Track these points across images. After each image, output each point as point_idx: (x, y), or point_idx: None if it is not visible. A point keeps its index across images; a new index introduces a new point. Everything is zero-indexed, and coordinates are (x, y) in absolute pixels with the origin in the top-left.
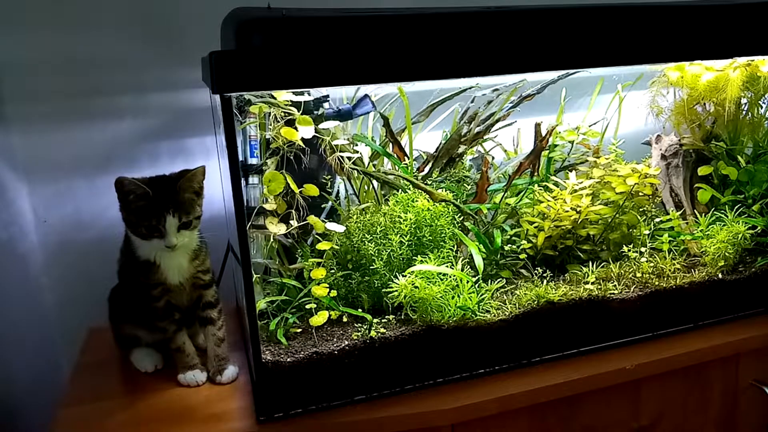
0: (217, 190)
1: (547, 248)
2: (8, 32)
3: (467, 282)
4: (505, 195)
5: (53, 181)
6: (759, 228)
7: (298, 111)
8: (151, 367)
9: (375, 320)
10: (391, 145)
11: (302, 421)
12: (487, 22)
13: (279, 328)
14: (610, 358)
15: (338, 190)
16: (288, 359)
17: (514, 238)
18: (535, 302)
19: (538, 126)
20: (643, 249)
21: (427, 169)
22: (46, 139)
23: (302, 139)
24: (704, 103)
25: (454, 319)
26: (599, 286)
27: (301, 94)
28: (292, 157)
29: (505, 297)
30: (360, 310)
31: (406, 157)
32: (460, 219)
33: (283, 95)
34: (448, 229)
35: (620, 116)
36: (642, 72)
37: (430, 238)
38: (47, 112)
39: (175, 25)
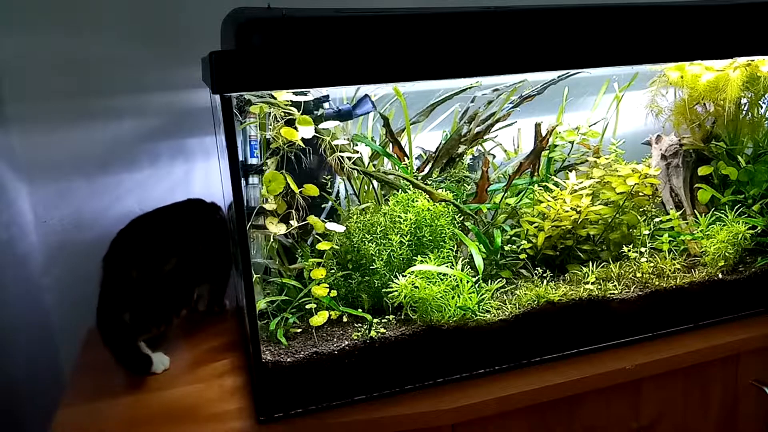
0: (217, 190)
1: (547, 248)
2: (8, 32)
3: (467, 282)
4: (505, 195)
5: (53, 181)
6: (759, 228)
7: (298, 111)
8: (162, 368)
9: (375, 320)
10: (391, 145)
11: (302, 421)
12: (487, 22)
13: (279, 328)
14: (610, 358)
15: (338, 190)
16: (288, 359)
17: (514, 238)
18: (535, 302)
19: (538, 126)
20: (643, 249)
21: (427, 169)
22: (46, 139)
23: (302, 139)
24: (704, 103)
25: (454, 319)
26: (599, 286)
27: (302, 94)
28: (292, 157)
29: (505, 297)
30: (360, 310)
31: (405, 157)
32: (460, 219)
33: (283, 95)
34: (448, 229)
35: (618, 116)
36: (637, 72)
37: (430, 238)
38: (47, 112)
39: (175, 25)
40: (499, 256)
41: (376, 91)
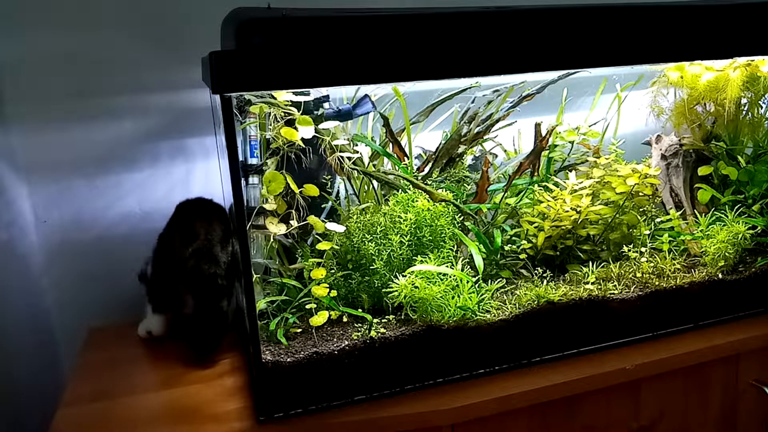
0: (217, 190)
1: (547, 248)
2: (8, 32)
3: (467, 282)
4: (505, 195)
5: (53, 181)
6: (759, 228)
7: (298, 111)
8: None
9: (375, 320)
10: (391, 145)
11: (302, 421)
12: (487, 22)
13: (279, 328)
14: (610, 358)
15: (338, 190)
16: (288, 359)
17: (514, 238)
18: (535, 302)
19: (538, 126)
20: (643, 249)
21: (427, 169)
22: (46, 139)
23: (302, 139)
24: (704, 103)
25: (454, 319)
26: (599, 286)
27: (302, 94)
28: (292, 157)
29: (505, 297)
30: (360, 310)
31: (405, 157)
32: (460, 219)
33: (283, 95)
34: (448, 229)
35: (619, 116)
36: (642, 72)
37: (430, 238)
38: (47, 112)
39: (175, 25)
40: (499, 256)
41: (376, 91)
